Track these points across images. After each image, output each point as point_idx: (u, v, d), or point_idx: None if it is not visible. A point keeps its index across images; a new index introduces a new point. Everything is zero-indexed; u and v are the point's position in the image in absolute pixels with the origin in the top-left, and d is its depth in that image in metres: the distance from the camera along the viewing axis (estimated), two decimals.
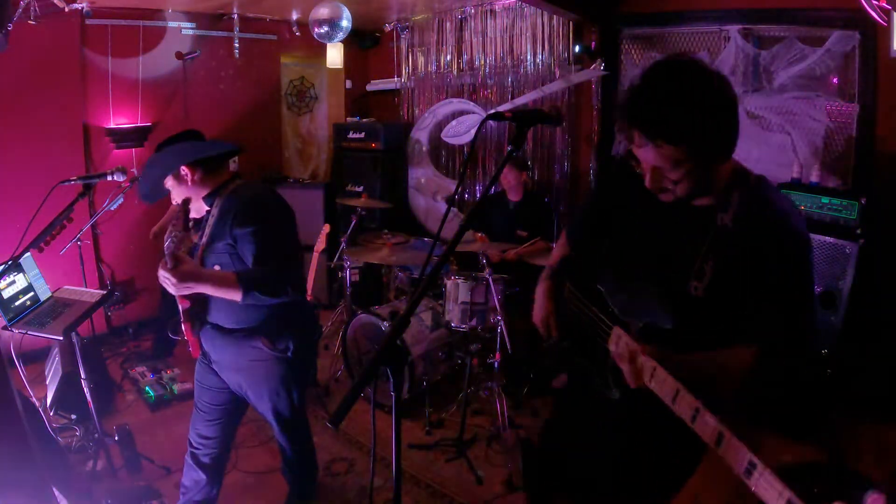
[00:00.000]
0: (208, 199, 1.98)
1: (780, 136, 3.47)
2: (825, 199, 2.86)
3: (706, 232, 1.31)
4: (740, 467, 0.95)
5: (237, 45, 4.90)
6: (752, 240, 1.24)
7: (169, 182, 1.98)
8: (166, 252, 1.72)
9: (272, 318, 2.01)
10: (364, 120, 5.55)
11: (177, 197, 2.00)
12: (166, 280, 1.74)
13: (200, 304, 2.03)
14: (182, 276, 1.73)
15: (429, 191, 5.33)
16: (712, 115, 1.19)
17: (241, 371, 2.07)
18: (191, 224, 1.96)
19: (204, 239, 1.96)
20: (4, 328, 2.54)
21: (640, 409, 1.29)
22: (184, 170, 1.92)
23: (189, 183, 1.95)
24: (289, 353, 2.04)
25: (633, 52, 4.17)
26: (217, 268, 1.94)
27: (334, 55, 5.24)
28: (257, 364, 2.04)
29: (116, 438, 2.73)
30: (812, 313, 1.36)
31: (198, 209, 2.00)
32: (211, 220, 1.95)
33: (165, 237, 1.76)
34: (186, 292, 1.82)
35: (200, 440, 2.17)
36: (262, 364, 2.04)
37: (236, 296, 1.80)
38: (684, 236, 1.35)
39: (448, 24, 5.10)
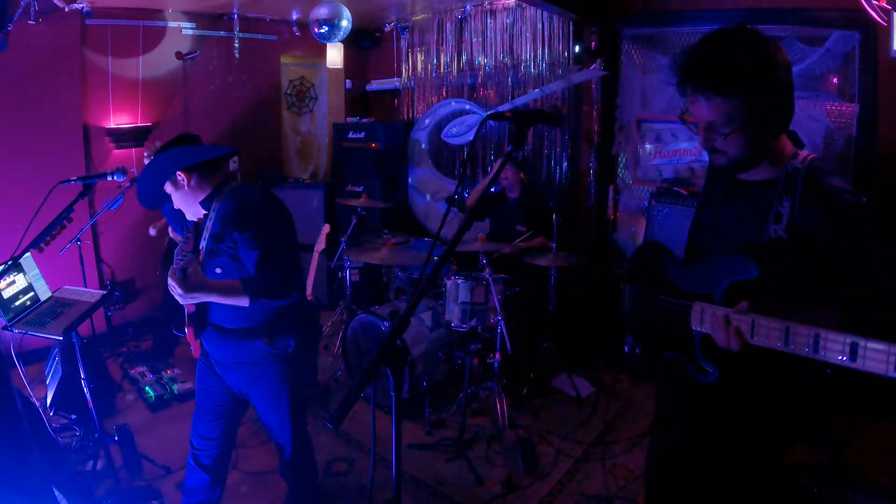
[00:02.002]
0: (205, 203, 2.00)
1: None
2: None
3: (774, 188, 1.29)
4: (888, 368, 0.96)
5: (237, 45, 4.90)
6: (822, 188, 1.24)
7: (168, 188, 2.01)
8: (176, 267, 1.85)
9: (272, 318, 2.02)
10: (364, 120, 5.55)
11: (177, 202, 2.03)
12: (174, 289, 1.84)
13: (202, 308, 2.08)
14: (189, 287, 1.83)
15: (429, 191, 5.33)
16: (760, 71, 1.21)
17: (241, 370, 2.09)
18: (190, 231, 2.02)
19: (203, 243, 1.98)
20: (4, 328, 2.53)
21: (738, 392, 1.30)
22: (180, 175, 1.95)
23: (186, 188, 1.97)
24: (289, 351, 2.06)
25: (633, 52, 4.17)
26: (219, 270, 1.97)
27: (334, 55, 5.24)
28: (258, 363, 2.05)
29: (116, 438, 2.73)
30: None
31: (195, 213, 2.03)
32: (209, 224, 1.97)
33: (176, 254, 1.87)
34: (193, 301, 1.89)
35: (202, 441, 2.18)
36: (262, 363, 2.05)
37: (243, 302, 1.87)
38: (755, 197, 1.34)
39: (448, 24, 5.10)
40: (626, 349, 1.65)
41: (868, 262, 1.18)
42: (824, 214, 1.22)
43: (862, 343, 1.00)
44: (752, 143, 1.27)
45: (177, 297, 1.86)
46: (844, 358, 1.02)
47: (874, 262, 1.18)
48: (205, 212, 2.01)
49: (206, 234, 1.98)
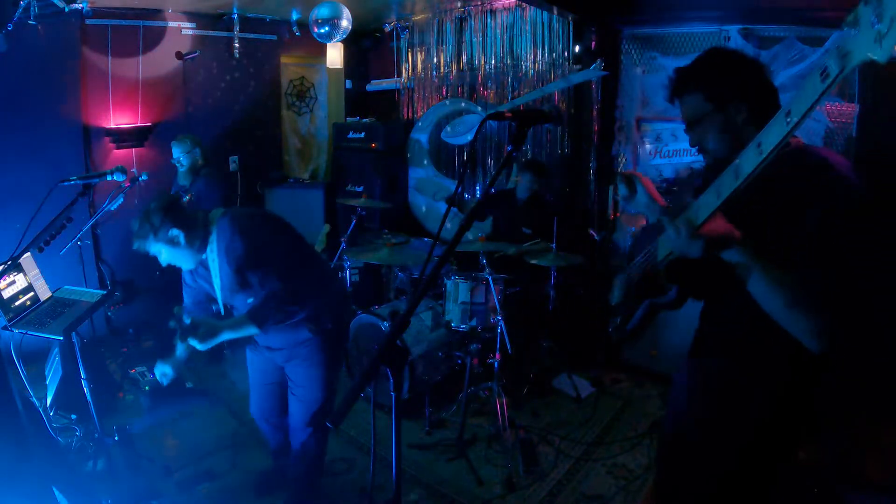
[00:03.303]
0: (201, 249, 2.14)
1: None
2: None
3: None
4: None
5: (237, 45, 4.90)
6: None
7: (164, 255, 2.13)
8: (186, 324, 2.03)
9: (311, 311, 2.21)
10: (364, 120, 5.55)
11: (173, 260, 2.14)
12: (193, 346, 2.05)
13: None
14: (203, 338, 2.00)
15: (429, 191, 5.33)
16: (720, 64, 1.40)
17: (285, 351, 2.31)
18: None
19: (220, 280, 2.13)
20: (4, 328, 2.53)
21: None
22: (172, 233, 2.05)
23: (182, 245, 2.10)
24: (328, 326, 2.27)
25: (632, 52, 4.17)
26: (249, 301, 2.19)
27: (334, 55, 5.24)
28: (302, 345, 2.27)
29: (116, 438, 2.73)
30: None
31: (193, 260, 2.17)
32: (213, 266, 2.12)
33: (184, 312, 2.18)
34: (212, 346, 2.04)
35: (262, 416, 2.56)
36: (306, 345, 2.27)
37: (255, 331, 2.07)
38: None
39: (448, 24, 5.10)
40: (610, 329, 1.81)
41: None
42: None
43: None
44: (730, 140, 1.36)
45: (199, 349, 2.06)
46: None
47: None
48: (204, 256, 2.15)
49: (220, 276, 2.14)
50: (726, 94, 1.35)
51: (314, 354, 2.29)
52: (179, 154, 3.74)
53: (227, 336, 2.03)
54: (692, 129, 1.43)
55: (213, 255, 2.12)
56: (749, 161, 1.04)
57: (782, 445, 1.51)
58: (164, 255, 2.11)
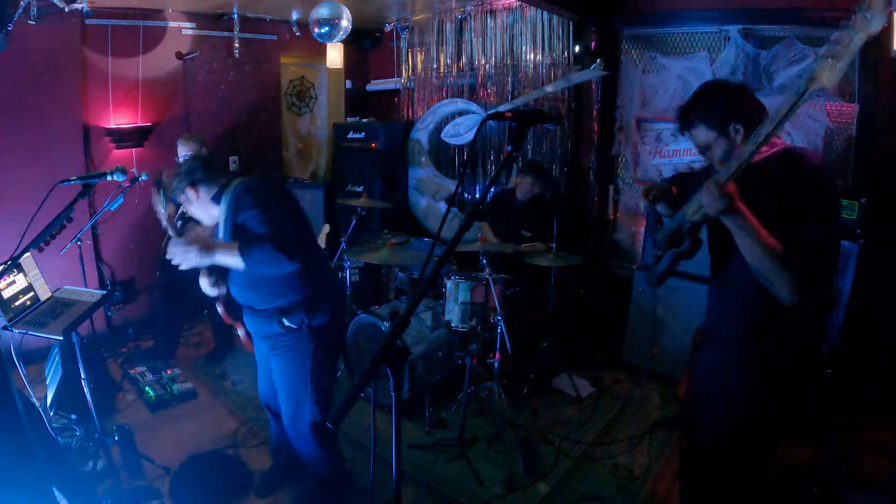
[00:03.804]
0: (214, 200, 2.22)
1: (780, 136, 3.47)
2: None
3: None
4: None
5: (237, 45, 4.90)
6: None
7: (185, 205, 2.28)
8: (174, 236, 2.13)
9: (301, 297, 2.22)
10: (364, 120, 5.55)
11: (196, 211, 2.27)
12: (187, 253, 2.02)
13: (231, 303, 2.39)
14: (195, 242, 2.04)
15: (429, 191, 5.33)
16: (713, 96, 1.66)
17: (269, 340, 2.34)
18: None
19: (221, 234, 2.18)
20: (4, 328, 2.53)
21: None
22: (189, 191, 2.19)
23: (196, 201, 2.23)
24: (320, 321, 2.26)
25: (633, 52, 4.18)
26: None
27: (334, 55, 5.24)
28: (283, 336, 2.27)
29: (116, 438, 2.73)
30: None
31: (211, 216, 2.25)
32: (222, 217, 2.17)
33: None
34: (206, 261, 2.05)
35: (263, 399, 2.60)
36: (287, 338, 2.27)
37: (240, 262, 2.02)
38: None
39: (448, 24, 5.10)
40: (644, 277, 2.07)
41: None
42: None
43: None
44: (729, 150, 1.61)
45: (190, 262, 2.04)
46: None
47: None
48: (216, 211, 2.21)
49: (221, 227, 2.17)
50: (724, 120, 1.60)
51: (294, 349, 2.28)
52: (186, 153, 3.72)
53: (220, 257, 2.05)
54: (704, 153, 1.70)
55: (221, 215, 2.18)
56: (748, 149, 1.38)
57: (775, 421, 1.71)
58: (191, 207, 2.25)
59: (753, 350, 1.66)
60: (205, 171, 2.21)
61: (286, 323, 2.23)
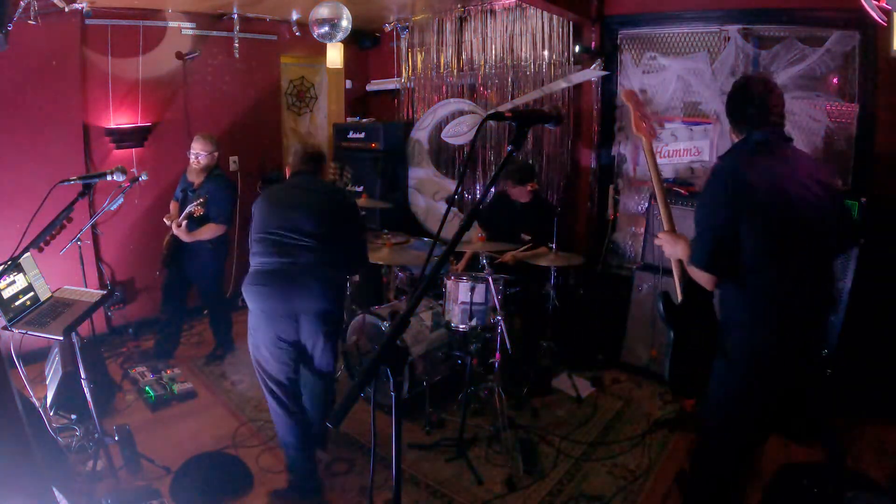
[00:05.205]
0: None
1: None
2: None
3: None
4: None
5: (237, 45, 4.90)
6: None
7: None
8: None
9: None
10: (364, 120, 5.55)
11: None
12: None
13: None
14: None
15: (429, 191, 5.33)
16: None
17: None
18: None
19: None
20: (4, 328, 2.53)
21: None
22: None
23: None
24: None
25: (632, 52, 4.18)
26: None
27: (334, 55, 5.24)
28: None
29: (116, 438, 2.73)
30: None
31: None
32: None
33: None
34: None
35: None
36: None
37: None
38: None
39: (448, 24, 5.10)
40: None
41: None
42: None
43: None
44: None
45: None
46: None
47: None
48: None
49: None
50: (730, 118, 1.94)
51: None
52: (200, 150, 3.70)
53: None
54: None
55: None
56: None
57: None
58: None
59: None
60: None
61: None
